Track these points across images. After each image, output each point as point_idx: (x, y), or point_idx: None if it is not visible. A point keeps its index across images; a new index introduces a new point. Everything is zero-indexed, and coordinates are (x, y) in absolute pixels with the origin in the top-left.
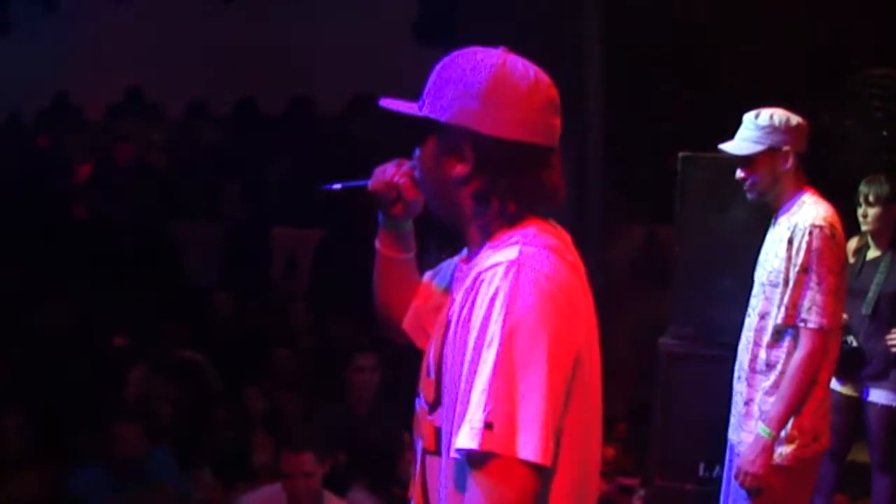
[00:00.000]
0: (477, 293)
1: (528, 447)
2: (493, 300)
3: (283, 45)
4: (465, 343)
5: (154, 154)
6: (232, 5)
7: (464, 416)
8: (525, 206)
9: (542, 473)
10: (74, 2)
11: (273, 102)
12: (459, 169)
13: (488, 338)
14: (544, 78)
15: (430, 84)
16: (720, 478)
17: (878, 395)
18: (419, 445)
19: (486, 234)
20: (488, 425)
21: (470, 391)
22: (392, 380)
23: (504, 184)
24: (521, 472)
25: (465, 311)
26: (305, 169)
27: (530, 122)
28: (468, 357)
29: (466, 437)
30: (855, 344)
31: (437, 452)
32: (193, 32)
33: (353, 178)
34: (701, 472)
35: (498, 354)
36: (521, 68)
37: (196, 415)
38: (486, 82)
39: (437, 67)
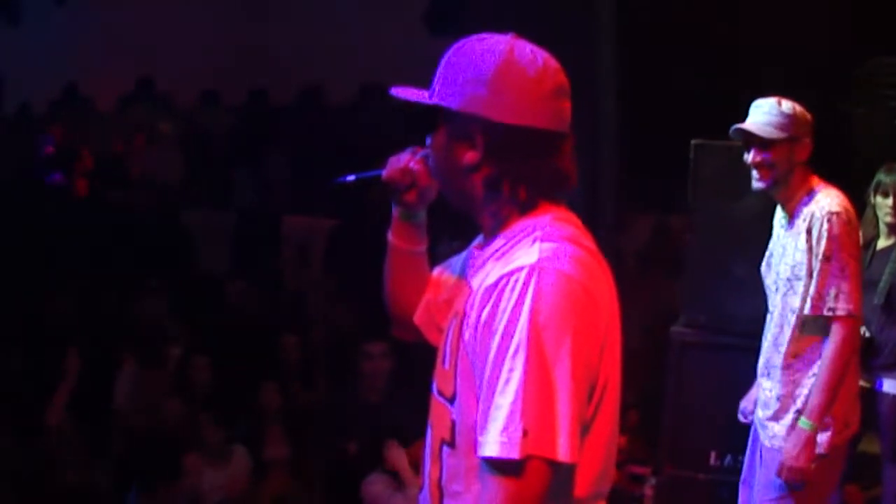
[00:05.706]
0: (500, 297)
1: (563, 449)
2: (517, 306)
3: (294, 35)
4: (488, 346)
5: (165, 144)
6: None
7: (486, 419)
8: (536, 192)
9: (562, 467)
10: None
11: (284, 92)
12: (470, 156)
13: (514, 345)
14: (553, 63)
15: (439, 72)
16: (731, 467)
17: (890, 386)
18: (434, 434)
19: (499, 221)
20: (525, 433)
21: (493, 397)
22: (404, 367)
23: (514, 170)
24: (542, 469)
25: (486, 313)
26: (316, 158)
27: (539, 107)
28: (490, 362)
29: (503, 447)
30: (867, 334)
31: (453, 444)
32: (204, 22)
33: (365, 169)
34: (712, 461)
35: (527, 362)
36: (529, 54)
37: None
38: (495, 69)
39: (447, 55)
